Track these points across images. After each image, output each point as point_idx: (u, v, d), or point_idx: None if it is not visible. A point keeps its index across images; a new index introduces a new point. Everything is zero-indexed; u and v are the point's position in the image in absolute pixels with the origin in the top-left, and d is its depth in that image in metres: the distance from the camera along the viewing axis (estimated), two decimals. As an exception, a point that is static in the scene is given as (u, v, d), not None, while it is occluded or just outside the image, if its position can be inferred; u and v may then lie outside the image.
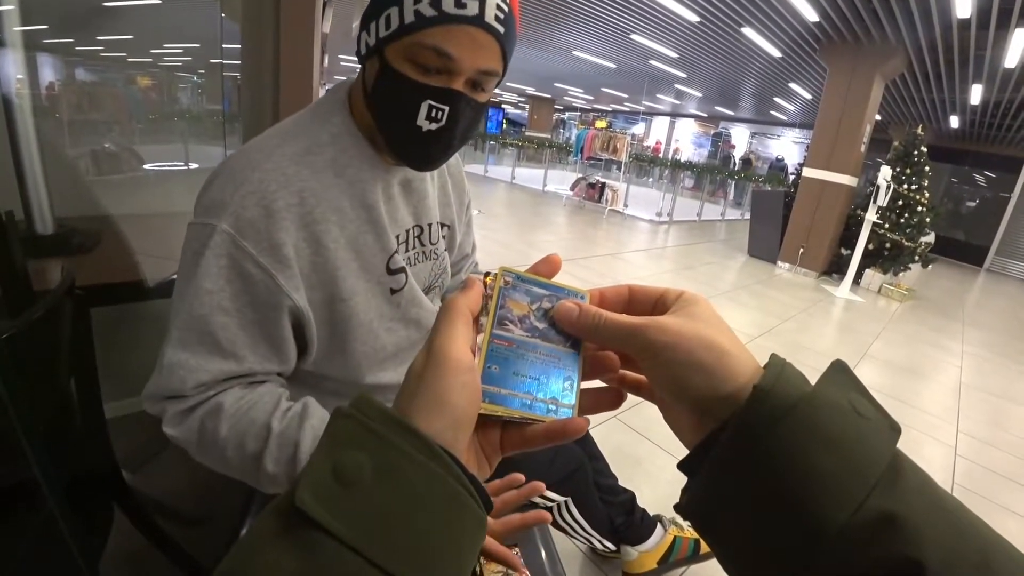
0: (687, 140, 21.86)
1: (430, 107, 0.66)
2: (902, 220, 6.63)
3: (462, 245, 1.13)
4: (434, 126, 0.68)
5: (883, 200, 5.98)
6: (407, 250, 0.83)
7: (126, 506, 0.78)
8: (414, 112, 0.67)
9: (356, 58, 0.73)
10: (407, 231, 0.82)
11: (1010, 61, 5.96)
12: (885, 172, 5.97)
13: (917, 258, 6.78)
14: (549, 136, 20.72)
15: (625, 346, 0.32)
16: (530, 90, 20.62)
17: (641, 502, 2.03)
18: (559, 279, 0.35)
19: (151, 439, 1.24)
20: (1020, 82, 6.88)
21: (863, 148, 6.87)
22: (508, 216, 8.03)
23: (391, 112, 0.70)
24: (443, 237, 0.93)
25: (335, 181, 0.72)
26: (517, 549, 0.81)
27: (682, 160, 13.11)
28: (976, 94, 7.92)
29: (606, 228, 8.10)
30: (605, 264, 5.69)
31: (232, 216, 0.65)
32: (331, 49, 11.90)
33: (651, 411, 1.52)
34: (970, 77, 7.16)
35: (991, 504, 2.48)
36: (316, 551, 0.22)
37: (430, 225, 0.87)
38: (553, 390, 0.32)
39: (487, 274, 0.33)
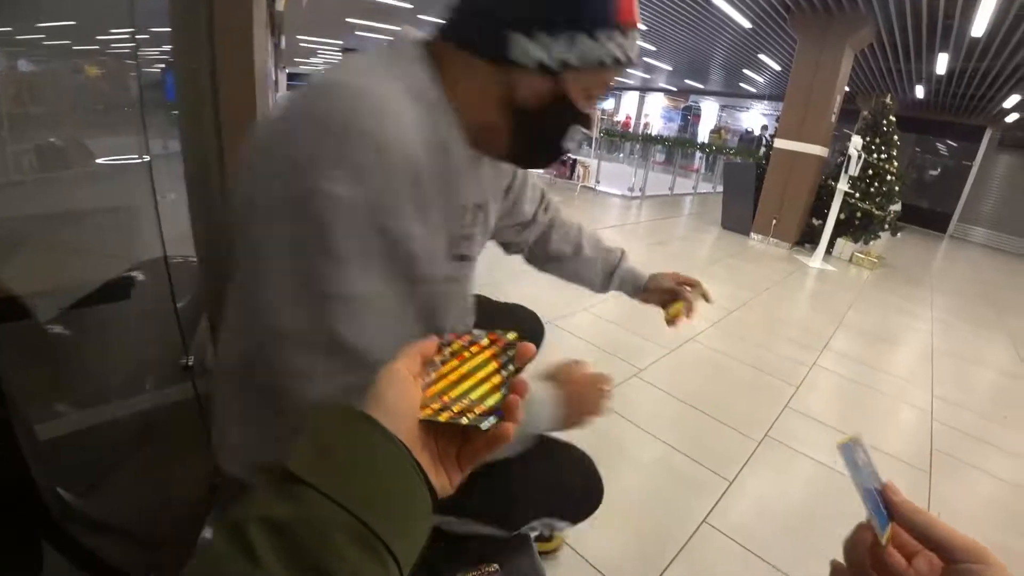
0: (657, 115, 21.80)
1: (578, 131, 0.72)
2: (872, 189, 6.69)
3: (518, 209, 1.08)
4: (571, 146, 0.74)
5: (855, 170, 6.02)
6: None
7: (57, 541, 0.67)
8: (565, 134, 0.71)
9: (485, 52, 0.65)
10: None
11: (977, 30, 5.98)
12: (856, 142, 6.00)
13: (887, 227, 6.89)
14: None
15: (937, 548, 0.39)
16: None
17: (623, 487, 1.99)
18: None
19: (104, 456, 1.14)
20: (986, 51, 6.94)
21: (833, 118, 6.89)
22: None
23: (545, 131, 0.71)
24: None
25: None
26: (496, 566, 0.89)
27: (652, 134, 13.05)
28: (942, 64, 7.98)
29: (579, 205, 8.00)
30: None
31: None
32: (288, 30, 11.38)
33: (635, 394, 1.44)
34: (937, 46, 7.21)
35: (968, 467, 2.52)
36: (302, 501, 0.30)
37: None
38: (485, 405, 0.40)
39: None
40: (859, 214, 6.70)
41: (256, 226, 0.60)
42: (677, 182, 11.08)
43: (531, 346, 0.44)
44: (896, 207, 7.10)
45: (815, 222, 6.95)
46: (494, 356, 0.43)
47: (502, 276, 4.11)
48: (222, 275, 1.16)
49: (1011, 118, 11.29)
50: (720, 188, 8.94)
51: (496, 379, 0.42)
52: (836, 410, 2.89)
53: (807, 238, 7.11)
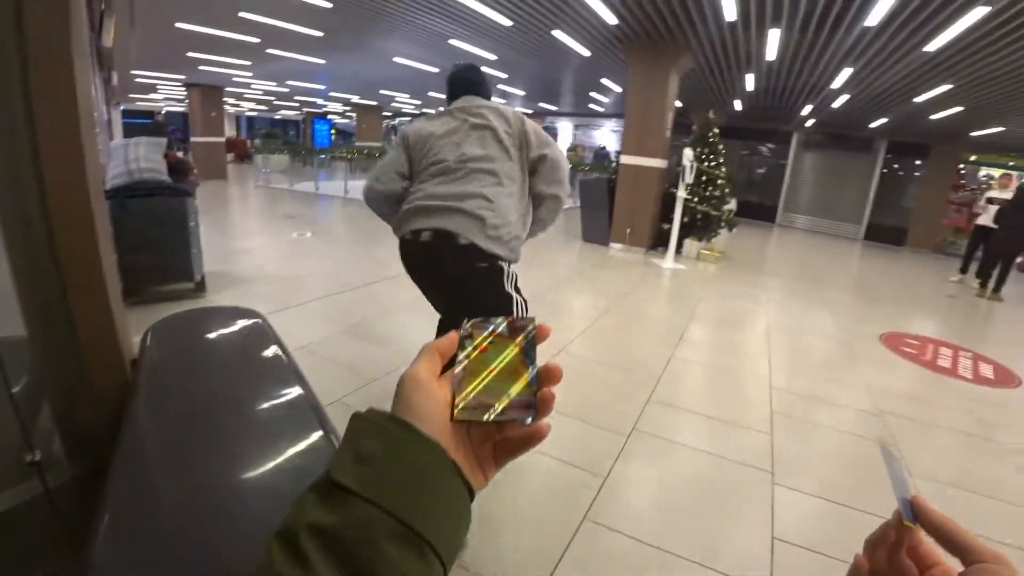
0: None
1: None
2: (707, 193, 7.51)
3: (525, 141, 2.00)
4: None
5: (689, 178, 6.74)
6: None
7: None
8: None
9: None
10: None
11: (769, 55, 7.03)
12: (688, 154, 6.73)
13: (724, 224, 7.74)
14: (380, 144, 20.33)
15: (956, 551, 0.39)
16: (355, 98, 20.02)
17: (500, 498, 2.07)
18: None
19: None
20: (779, 71, 8.14)
21: (668, 134, 7.66)
22: (345, 234, 7.75)
23: None
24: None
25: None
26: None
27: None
28: (750, 82, 9.22)
29: (451, 231, 8.13)
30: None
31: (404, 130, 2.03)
32: (121, 64, 10.42)
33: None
34: (743, 69, 8.31)
35: (804, 423, 2.94)
36: (346, 507, 0.32)
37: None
38: (515, 395, 0.39)
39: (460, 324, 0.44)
40: (699, 216, 7.48)
41: None
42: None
43: (548, 328, 0.44)
44: (730, 206, 8.01)
45: (664, 227, 7.64)
46: (516, 344, 0.42)
47: (377, 312, 4.09)
48: (59, 351, 1.06)
49: (809, 124, 13.36)
50: (579, 203, 9.53)
51: (522, 369, 0.41)
52: (694, 395, 3.22)
53: (660, 242, 7.78)
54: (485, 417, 0.38)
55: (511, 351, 0.42)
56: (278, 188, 12.63)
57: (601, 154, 18.47)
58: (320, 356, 3.24)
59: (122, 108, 21.55)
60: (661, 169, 7.61)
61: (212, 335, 1.31)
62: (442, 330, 2.29)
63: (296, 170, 14.25)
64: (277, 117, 33.89)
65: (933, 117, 9.84)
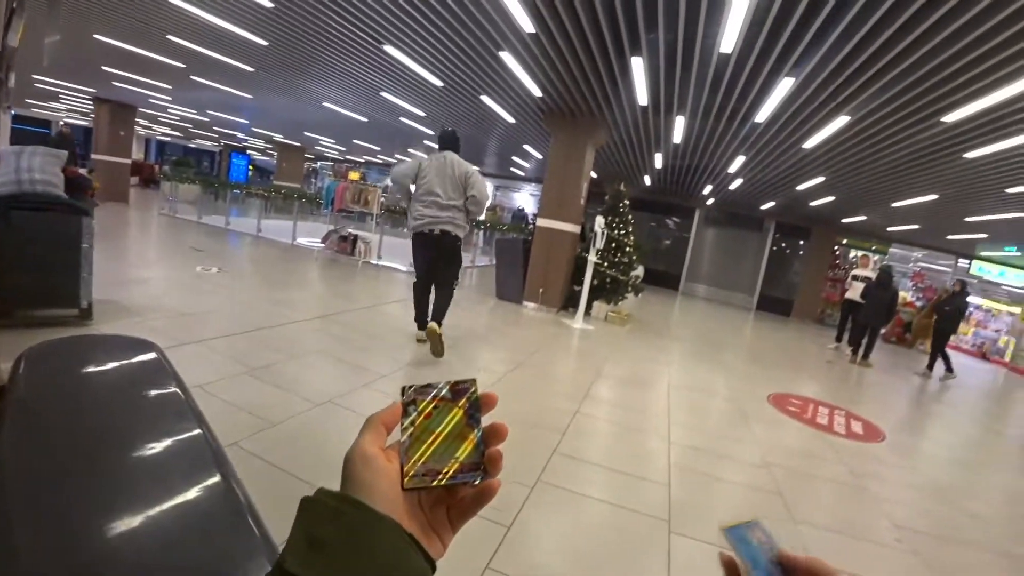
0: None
1: None
2: (616, 259, 8.00)
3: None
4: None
5: (600, 244, 7.17)
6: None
7: None
8: None
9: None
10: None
11: (676, 138, 7.80)
12: (599, 221, 7.19)
13: (631, 289, 8.23)
14: (300, 186, 19.93)
15: None
16: (278, 137, 19.68)
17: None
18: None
19: None
20: (684, 152, 9.01)
21: (582, 201, 8.15)
22: (255, 273, 7.46)
23: None
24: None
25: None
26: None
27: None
28: (659, 160, 10.10)
29: (361, 281, 8.06)
30: (365, 317, 5.67)
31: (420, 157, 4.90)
32: (22, 68, 9.69)
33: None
34: (652, 147, 9.12)
35: (700, 474, 3.14)
36: None
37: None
38: (464, 460, 0.40)
39: (403, 390, 0.43)
40: (608, 280, 7.92)
41: None
42: (461, 255, 11.80)
43: (494, 395, 0.44)
44: (637, 272, 8.55)
45: (575, 288, 8.01)
46: (460, 407, 0.42)
47: (283, 356, 3.96)
48: None
49: (710, 202, 14.81)
50: (495, 261, 9.77)
51: (468, 432, 0.41)
52: (597, 448, 3.35)
53: (571, 302, 8.12)
54: (435, 483, 0.39)
55: (455, 414, 0.42)
56: (185, 219, 11.97)
57: (519, 215, 19.16)
58: (219, 397, 3.08)
59: (13, 112, 19.83)
60: (575, 233, 8.04)
61: (98, 366, 1.18)
62: (417, 288, 4.72)
63: (207, 202, 13.62)
64: (191, 145, 32.43)
65: (812, 204, 11.38)
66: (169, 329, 4.12)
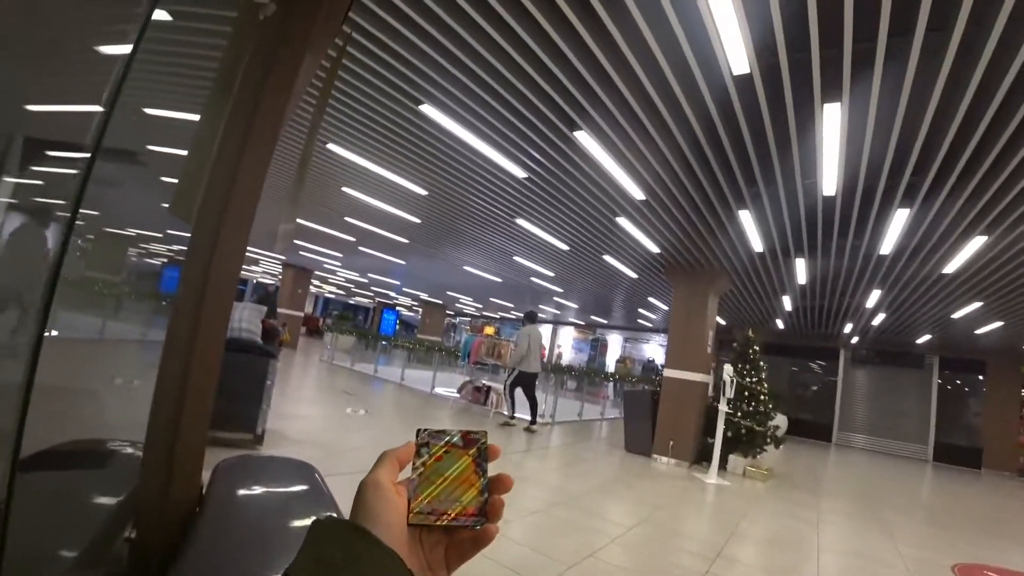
0: (568, 345, 23.67)
1: None
2: (750, 408, 7.59)
3: None
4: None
5: (730, 393, 6.94)
6: None
7: None
8: None
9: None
10: None
11: (800, 279, 7.71)
12: (728, 370, 7.04)
13: (770, 440, 7.64)
14: (440, 339, 21.58)
15: None
16: (424, 296, 21.90)
17: None
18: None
19: None
20: (812, 293, 8.76)
21: (709, 350, 8.06)
22: (395, 416, 8.10)
23: None
24: None
25: None
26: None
27: (563, 364, 14.13)
28: (787, 303, 9.84)
29: (490, 429, 8.34)
30: (493, 465, 5.85)
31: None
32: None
33: None
34: (778, 291, 8.97)
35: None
36: None
37: None
38: (468, 503, 0.43)
39: (417, 432, 0.46)
40: (743, 431, 7.47)
41: None
42: (587, 408, 11.83)
43: (498, 448, 0.46)
44: (776, 422, 7.97)
45: (709, 440, 7.61)
46: (469, 455, 0.45)
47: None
48: (157, 466, 1.16)
49: (854, 340, 13.60)
50: (624, 414, 9.62)
51: (474, 479, 0.44)
52: (723, 616, 3.08)
53: (704, 456, 7.68)
54: (439, 522, 0.42)
55: (464, 461, 0.44)
56: (340, 365, 13.50)
57: (649, 367, 18.91)
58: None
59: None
60: (704, 383, 7.86)
61: (271, 479, 1.43)
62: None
63: (359, 351, 15.24)
64: (351, 301, 36.74)
65: (978, 332, 9.94)
66: (321, 460, 4.55)
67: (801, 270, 7.28)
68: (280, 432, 5.26)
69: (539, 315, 8.80)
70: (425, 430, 0.46)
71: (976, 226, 4.96)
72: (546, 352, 9.14)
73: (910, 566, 4.34)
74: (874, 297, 8.33)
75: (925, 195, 4.45)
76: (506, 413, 9.55)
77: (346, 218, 8.87)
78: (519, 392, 8.52)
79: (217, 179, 1.24)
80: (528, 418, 8.40)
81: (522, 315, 8.70)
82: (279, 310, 16.66)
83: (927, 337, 11.63)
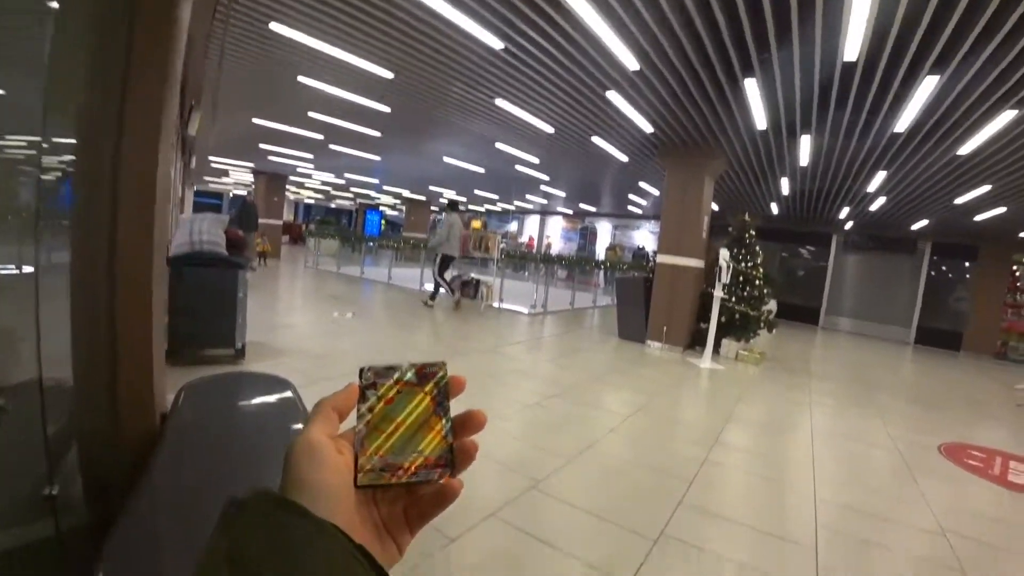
0: (557, 235, 23.41)
1: None
2: (744, 293, 7.47)
3: None
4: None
5: (725, 278, 6.76)
6: None
7: None
8: None
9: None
10: None
11: (802, 160, 7.24)
12: (724, 254, 6.80)
13: (763, 325, 7.62)
14: (427, 236, 21.23)
15: None
16: (406, 192, 21.23)
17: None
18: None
19: None
20: (813, 175, 8.32)
21: (704, 235, 7.79)
22: (385, 317, 7.95)
23: None
24: None
25: None
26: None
27: (553, 254, 13.95)
28: (785, 186, 9.43)
29: (482, 323, 8.26)
30: (487, 359, 5.76)
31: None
32: (200, 152, 11.58)
33: (533, 505, 1.54)
34: (777, 173, 8.54)
35: (854, 539, 2.70)
36: None
37: None
38: (429, 452, 0.36)
39: (361, 372, 0.38)
40: (737, 316, 7.40)
41: None
42: (578, 297, 11.79)
43: (463, 379, 0.39)
44: (769, 307, 7.92)
45: (702, 326, 7.57)
46: (427, 393, 0.37)
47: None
48: (97, 395, 1.12)
49: (848, 226, 13.40)
50: (616, 300, 9.60)
51: (435, 421, 0.37)
52: (727, 501, 3.05)
53: (697, 341, 7.68)
54: (395, 480, 0.34)
55: (421, 400, 0.37)
56: (326, 270, 13.23)
57: (639, 254, 18.75)
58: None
59: (195, 189, 23.45)
60: (698, 269, 7.67)
61: (242, 400, 1.35)
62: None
63: (345, 255, 14.94)
64: (332, 205, 36.00)
65: (978, 218, 9.75)
66: (307, 368, 4.50)
67: (805, 150, 6.77)
68: (264, 344, 5.06)
69: (460, 205, 9.71)
70: (370, 368, 0.37)
71: (1009, 98, 4.44)
72: (469, 240, 9.37)
73: (900, 447, 4.37)
74: (877, 180, 7.91)
75: (962, 59, 3.90)
76: (495, 305, 9.51)
77: (309, 113, 8.11)
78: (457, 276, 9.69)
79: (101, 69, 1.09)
80: (521, 308, 8.34)
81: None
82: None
83: (923, 223, 11.37)
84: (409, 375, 0.38)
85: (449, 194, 19.08)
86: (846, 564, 2.47)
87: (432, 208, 25.32)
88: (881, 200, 9.49)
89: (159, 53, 1.12)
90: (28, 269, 1.30)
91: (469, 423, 0.38)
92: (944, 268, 13.22)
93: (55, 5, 1.41)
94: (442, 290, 9.05)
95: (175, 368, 3.90)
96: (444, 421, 0.37)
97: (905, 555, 2.63)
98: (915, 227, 11.96)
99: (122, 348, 1.12)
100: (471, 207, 25.81)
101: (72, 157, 1.20)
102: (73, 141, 1.18)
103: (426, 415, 0.37)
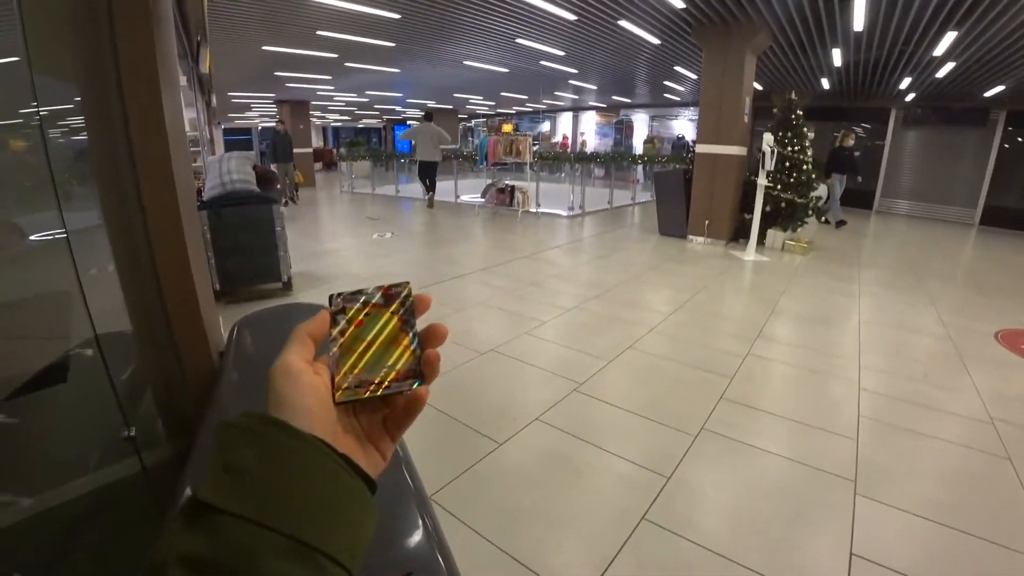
0: (592, 131, 22.47)
1: None
2: (791, 180, 7.09)
3: None
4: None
5: (770, 165, 6.40)
6: None
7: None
8: None
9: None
10: None
11: (857, 25, 6.52)
12: (768, 139, 6.40)
13: (811, 212, 7.28)
14: (457, 146, 20.77)
15: None
16: (431, 103, 20.58)
17: (566, 497, 2.07)
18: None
19: (57, 540, 1.16)
20: (870, 43, 7.52)
21: (746, 119, 7.30)
22: (424, 234, 7.99)
23: None
24: None
25: None
26: None
27: (587, 152, 13.48)
28: (837, 57, 8.58)
29: (522, 230, 8.20)
30: (525, 266, 5.77)
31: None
32: (218, 87, 11.43)
33: (575, 407, 1.56)
34: (828, 42, 7.76)
35: (897, 429, 2.69)
36: (221, 531, 0.28)
37: None
38: (400, 366, 0.39)
39: (330, 299, 0.41)
40: (783, 204, 7.07)
41: None
42: (617, 195, 11.49)
43: (428, 297, 0.42)
44: (818, 192, 7.52)
45: (746, 217, 7.29)
46: (393, 313, 0.40)
47: (448, 309, 4.20)
48: (157, 344, 1.21)
49: (909, 98, 12.21)
50: (655, 196, 9.30)
51: (402, 338, 0.39)
52: (769, 395, 3.06)
53: (741, 233, 7.44)
54: (369, 394, 0.37)
55: (389, 320, 0.40)
56: (361, 193, 13.27)
57: (679, 144, 17.88)
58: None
59: (223, 127, 23.45)
60: (740, 157, 7.26)
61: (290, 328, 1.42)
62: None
63: (378, 175, 14.86)
64: (360, 126, 35.45)
65: None
66: None
67: (860, 12, 6.01)
68: (309, 274, 5.21)
69: (433, 114, 10.54)
70: (339, 295, 0.40)
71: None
72: (446, 142, 10.07)
73: (953, 334, 4.19)
74: (946, 42, 6.99)
75: None
76: (533, 210, 9.44)
77: (319, 32, 7.77)
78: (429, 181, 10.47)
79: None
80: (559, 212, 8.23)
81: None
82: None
83: (998, 89, 10.09)
84: (376, 298, 0.41)
85: (476, 100, 18.41)
86: (888, 455, 2.47)
87: (460, 116, 24.63)
88: (950, 65, 8.53)
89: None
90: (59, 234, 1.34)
91: (433, 336, 0.40)
92: (1021, 139, 11.86)
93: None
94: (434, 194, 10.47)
95: (229, 306, 4.10)
96: (410, 336, 0.40)
97: (948, 444, 2.60)
98: (988, 94, 10.74)
99: (168, 293, 1.18)
100: (500, 111, 24.93)
101: (79, 117, 1.18)
102: (77, 99, 1.16)
103: (394, 333, 0.40)
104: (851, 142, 9.61)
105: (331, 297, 0.41)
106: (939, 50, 7.43)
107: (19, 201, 1.47)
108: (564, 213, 9.61)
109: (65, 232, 1.21)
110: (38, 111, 1.35)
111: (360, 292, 0.41)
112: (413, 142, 10.27)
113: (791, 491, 2.17)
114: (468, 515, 1.95)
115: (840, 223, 9.73)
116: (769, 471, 2.30)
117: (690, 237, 7.62)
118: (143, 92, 1.10)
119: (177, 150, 1.19)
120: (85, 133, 1.18)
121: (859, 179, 9.84)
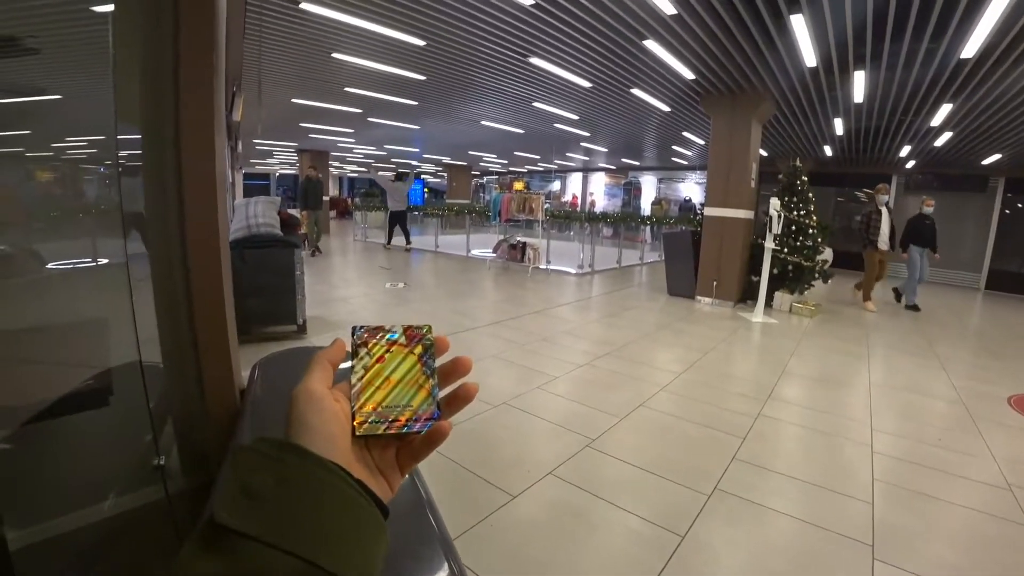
0: (601, 192, 23.00)
1: None
2: (797, 243, 7.23)
3: None
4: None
5: (777, 228, 6.55)
6: None
7: None
8: None
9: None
10: None
11: (857, 96, 6.82)
12: (774, 203, 6.57)
13: (818, 275, 7.37)
14: (469, 202, 21.25)
15: None
16: (446, 159, 21.24)
17: (577, 552, 2.07)
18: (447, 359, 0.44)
19: (80, 562, 1.18)
20: (869, 112, 7.84)
21: (753, 184, 7.52)
22: (435, 286, 8.10)
23: None
24: None
25: None
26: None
27: (597, 212, 13.79)
28: (839, 126, 8.93)
29: (531, 286, 8.31)
30: (535, 322, 5.83)
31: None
32: (245, 135, 11.93)
33: (587, 463, 1.61)
34: (830, 113, 8.09)
35: (913, 493, 2.67)
36: (238, 553, 0.28)
37: None
38: (418, 406, 0.40)
39: (353, 331, 0.42)
40: (790, 267, 7.18)
41: None
42: (625, 254, 11.68)
43: (446, 340, 0.43)
44: (824, 256, 7.64)
45: (754, 279, 7.39)
46: (414, 353, 0.42)
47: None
48: (186, 377, 1.25)
49: (910, 165, 12.55)
50: (664, 256, 9.44)
51: (423, 379, 0.41)
52: (781, 456, 3.05)
53: (748, 295, 7.52)
54: (388, 431, 0.39)
55: (409, 360, 0.41)
56: (374, 242, 13.54)
57: (686, 206, 18.29)
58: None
59: (244, 172, 24.18)
60: (747, 220, 7.45)
61: None
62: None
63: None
64: (375, 177, 36.44)
65: None
66: None
67: (859, 85, 6.34)
68: (322, 319, 5.30)
69: (408, 173, 11.82)
70: (362, 327, 0.42)
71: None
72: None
73: (965, 399, 4.19)
74: (942, 114, 7.33)
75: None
76: (543, 267, 9.57)
77: (346, 88, 8.19)
78: (398, 228, 12.41)
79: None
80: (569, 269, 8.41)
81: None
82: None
83: (995, 157, 10.46)
84: (397, 336, 0.42)
85: (490, 157, 18.96)
86: (905, 518, 2.45)
87: (473, 172, 25.26)
88: (947, 135, 8.85)
89: (205, 34, 1.15)
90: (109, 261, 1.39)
91: (457, 368, 0.43)
92: (1020, 205, 12.11)
93: (111, 8, 1.47)
94: (409, 240, 12.44)
95: (245, 346, 4.16)
96: (431, 380, 0.41)
97: (965, 509, 2.58)
98: (986, 162, 11.08)
99: (201, 332, 1.23)
100: (512, 169, 25.61)
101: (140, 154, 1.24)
102: (139, 137, 1.21)
103: (415, 373, 0.41)
104: (930, 209, 8.15)
105: (354, 329, 0.42)
106: (936, 120, 7.73)
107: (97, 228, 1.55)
108: (573, 271, 9.75)
109: (126, 260, 1.28)
110: (117, 154, 1.46)
111: (382, 329, 0.42)
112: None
113: (809, 554, 2.15)
114: (482, 567, 1.95)
115: (912, 307, 8.32)
116: (786, 533, 2.28)
117: (698, 297, 7.70)
118: (200, 145, 1.18)
119: (220, 190, 1.25)
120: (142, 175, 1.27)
121: (937, 256, 8.28)
